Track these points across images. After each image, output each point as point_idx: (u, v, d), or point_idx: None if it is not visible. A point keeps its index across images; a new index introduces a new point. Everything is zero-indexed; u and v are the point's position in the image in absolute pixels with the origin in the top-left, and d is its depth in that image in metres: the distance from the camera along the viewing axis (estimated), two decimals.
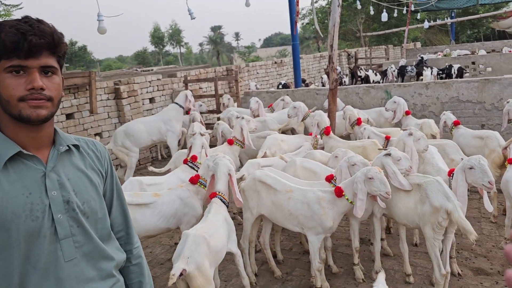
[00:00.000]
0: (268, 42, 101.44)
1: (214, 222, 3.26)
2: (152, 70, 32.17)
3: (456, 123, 5.58)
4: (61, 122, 7.61)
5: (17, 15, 8.44)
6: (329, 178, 3.85)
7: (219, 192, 3.58)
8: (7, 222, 1.30)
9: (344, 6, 24.12)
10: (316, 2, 26.58)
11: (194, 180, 4.00)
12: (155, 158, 9.42)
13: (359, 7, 13.40)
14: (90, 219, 1.48)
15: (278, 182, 3.82)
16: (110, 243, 1.58)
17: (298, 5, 6.59)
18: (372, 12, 15.33)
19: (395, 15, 16.54)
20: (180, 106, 7.18)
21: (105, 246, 1.53)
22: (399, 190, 3.60)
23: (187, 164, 4.69)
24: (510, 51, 16.64)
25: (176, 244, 4.83)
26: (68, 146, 1.49)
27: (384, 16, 14.94)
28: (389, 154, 3.63)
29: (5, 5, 8.06)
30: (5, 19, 8.03)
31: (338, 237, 4.91)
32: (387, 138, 5.07)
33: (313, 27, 26.97)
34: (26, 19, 1.32)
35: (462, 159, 4.74)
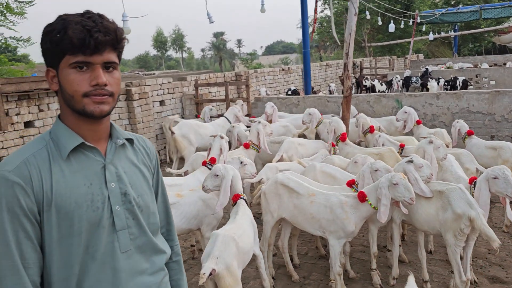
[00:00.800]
0: (270, 50, 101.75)
1: (242, 223, 3.30)
2: (154, 74, 32.24)
3: (469, 133, 5.64)
4: None
5: (29, 12, 8.47)
6: (351, 183, 3.89)
7: (242, 193, 3.64)
8: (70, 211, 1.33)
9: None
10: (322, 11, 26.81)
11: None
12: (164, 160, 9.45)
13: (368, 17, 13.51)
14: (144, 213, 1.51)
15: (300, 185, 3.87)
16: (159, 237, 1.61)
17: (316, 13, 6.66)
18: (380, 23, 15.45)
19: (402, 26, 16.69)
20: (228, 120, 7.64)
21: (156, 240, 1.56)
22: (419, 197, 3.65)
23: (206, 166, 4.73)
24: None
25: (192, 245, 4.86)
26: (123, 140, 1.52)
27: (391, 27, 15.06)
28: (411, 161, 3.68)
29: (19, 1, 8.09)
30: (19, 17, 8.09)
31: (352, 243, 4.94)
32: (402, 146, 5.13)
33: (316, 35, 27.15)
34: (89, 15, 1.34)
35: (476, 168, 4.82)
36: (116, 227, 1.42)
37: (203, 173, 4.63)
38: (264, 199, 4.06)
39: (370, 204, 3.53)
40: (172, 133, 7.07)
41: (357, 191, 3.74)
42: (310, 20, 14.42)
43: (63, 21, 1.33)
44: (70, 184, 1.34)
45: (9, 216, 1.26)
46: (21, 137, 6.86)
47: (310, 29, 9.56)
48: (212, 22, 6.25)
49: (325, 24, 29.56)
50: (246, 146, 5.43)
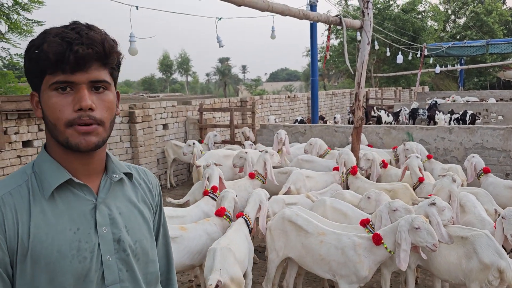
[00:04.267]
0: (274, 77, 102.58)
1: (234, 237, 3.45)
2: (158, 96, 32.24)
3: (486, 171, 5.36)
4: None
5: (37, 31, 8.37)
6: (365, 223, 3.61)
7: (246, 214, 3.80)
8: (51, 262, 1.08)
9: (355, 46, 24.39)
10: (332, 39, 26.89)
11: (220, 213, 3.88)
12: (164, 185, 9.18)
13: (376, 47, 13.46)
14: (141, 262, 1.25)
15: (309, 223, 3.59)
16: None
17: (329, 41, 6.51)
18: (388, 54, 15.40)
19: (410, 58, 16.66)
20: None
21: None
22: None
23: (208, 196, 4.50)
24: None
25: (191, 281, 4.54)
26: (121, 174, 1.27)
27: (399, 58, 14.99)
28: (434, 204, 3.40)
29: (27, 19, 7.98)
30: (27, 35, 7.98)
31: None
32: (421, 180, 4.84)
33: (321, 64, 27.23)
34: (74, 25, 1.11)
35: (495, 209, 4.52)
36: (106, 282, 1.16)
37: (206, 204, 4.41)
38: (270, 235, 3.78)
39: (386, 247, 3.24)
40: (197, 166, 6.40)
41: (372, 232, 3.45)
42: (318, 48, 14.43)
43: (44, 34, 1.09)
44: (53, 229, 1.09)
45: None
46: (19, 156, 6.62)
47: (318, 57, 9.49)
48: (222, 46, 6.11)
49: (330, 53, 29.69)
50: (252, 176, 5.17)
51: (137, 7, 4.69)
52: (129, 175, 1.31)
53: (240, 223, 3.69)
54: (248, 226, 3.72)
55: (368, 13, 6.02)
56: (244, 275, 3.39)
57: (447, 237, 3.30)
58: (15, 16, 7.69)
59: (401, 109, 14.27)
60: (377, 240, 3.27)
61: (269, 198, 4.39)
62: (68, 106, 1.09)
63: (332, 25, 6.15)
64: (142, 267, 1.26)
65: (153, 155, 8.88)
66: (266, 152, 5.23)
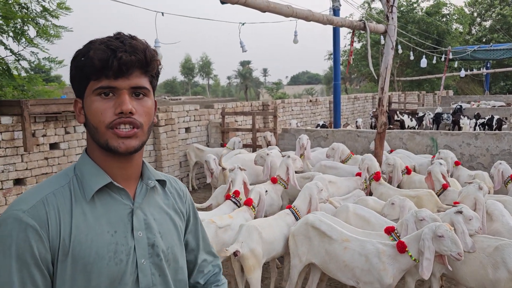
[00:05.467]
0: (295, 80, 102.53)
1: (271, 222, 3.87)
2: (180, 99, 32.62)
3: None
4: None
5: (66, 36, 8.57)
6: (389, 230, 3.57)
7: (293, 207, 4.14)
8: (89, 263, 1.11)
9: (378, 49, 24.17)
10: (349, 44, 26.67)
11: (248, 203, 4.28)
12: None
13: (400, 51, 13.29)
14: (171, 268, 1.29)
15: (333, 229, 3.57)
16: None
17: (352, 45, 6.49)
18: (412, 57, 15.21)
19: (434, 62, 16.39)
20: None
21: None
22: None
23: (230, 200, 4.53)
24: None
25: None
26: (155, 181, 1.31)
27: (424, 62, 14.78)
28: (460, 212, 3.35)
29: (55, 25, 8.18)
30: (54, 39, 8.18)
31: None
32: (445, 187, 4.77)
33: (344, 68, 27.06)
34: (118, 35, 1.17)
35: None
36: (140, 285, 1.19)
37: (228, 207, 4.44)
38: (293, 241, 3.78)
39: (411, 256, 3.20)
40: (223, 169, 6.31)
41: (396, 240, 3.42)
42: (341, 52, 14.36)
43: (89, 44, 1.15)
44: (92, 231, 1.13)
45: (18, 265, 1.05)
46: (46, 158, 6.78)
47: (340, 61, 9.47)
48: (245, 51, 6.15)
49: (353, 57, 29.51)
50: (274, 180, 5.17)
51: (162, 13, 4.77)
52: (162, 183, 1.34)
53: (284, 213, 4.11)
54: (296, 218, 4.04)
55: (392, 18, 5.97)
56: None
57: (470, 245, 3.24)
58: (43, 22, 7.90)
59: (425, 114, 14.06)
60: (401, 248, 3.23)
61: None
62: (109, 109, 1.14)
63: (356, 30, 6.12)
64: (172, 273, 1.29)
65: (175, 158, 8.97)
66: (289, 157, 5.22)
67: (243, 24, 5.78)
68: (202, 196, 8.30)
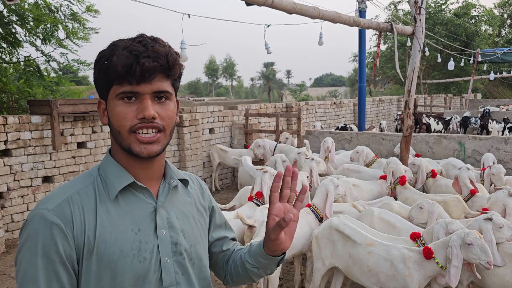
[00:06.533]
0: (319, 82, 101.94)
1: None
2: (203, 100, 32.79)
3: None
4: None
5: (94, 37, 8.76)
6: (415, 237, 3.50)
7: (313, 205, 4.15)
8: (113, 260, 1.13)
9: (404, 51, 23.82)
10: (375, 46, 26.46)
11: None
12: (209, 189, 9.31)
13: (427, 53, 13.05)
14: (195, 266, 1.30)
15: (357, 233, 3.53)
16: None
17: (379, 47, 6.41)
18: (439, 60, 14.91)
19: (462, 64, 16.05)
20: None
21: None
22: None
23: (253, 201, 4.54)
24: None
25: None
26: (177, 180, 1.33)
27: (451, 65, 14.47)
28: (490, 219, 3.26)
29: (85, 27, 8.36)
30: (83, 42, 8.37)
31: None
32: (473, 193, 4.65)
33: (369, 70, 26.77)
34: (141, 38, 1.17)
35: None
36: (164, 283, 1.20)
37: (250, 209, 4.45)
38: (316, 244, 3.75)
39: (437, 262, 3.13)
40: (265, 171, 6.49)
41: (421, 246, 3.35)
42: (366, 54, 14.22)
43: (113, 47, 1.16)
44: (116, 229, 1.15)
45: (43, 262, 1.08)
46: (73, 157, 6.93)
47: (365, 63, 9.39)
48: (270, 53, 6.15)
49: (378, 59, 29.17)
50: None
51: (189, 15, 4.82)
52: (184, 182, 1.36)
53: (304, 211, 4.11)
54: (316, 215, 4.10)
55: (420, 19, 5.87)
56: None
57: (498, 259, 3.14)
58: (72, 24, 8.09)
59: (451, 117, 13.77)
60: (427, 254, 3.17)
61: None
62: (132, 114, 1.16)
63: (383, 32, 6.04)
64: (197, 271, 1.30)
65: (199, 158, 9.04)
66: (313, 159, 5.20)
67: (268, 26, 5.78)
68: (225, 197, 8.34)
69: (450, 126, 13.62)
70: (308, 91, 75.51)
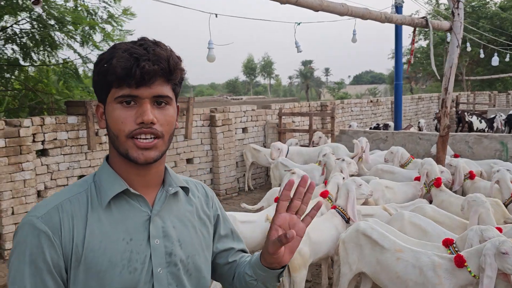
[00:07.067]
0: (358, 79, 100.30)
1: (318, 222, 3.89)
2: (241, 98, 33.04)
3: None
4: None
5: (129, 39, 8.94)
6: (448, 243, 3.33)
7: (338, 206, 4.09)
8: (101, 271, 1.10)
9: (443, 48, 23.00)
10: (416, 42, 25.66)
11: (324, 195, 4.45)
12: (242, 188, 9.32)
13: (468, 49, 12.51)
14: (193, 278, 1.24)
15: (385, 238, 3.40)
16: None
17: (413, 44, 6.19)
18: (482, 55, 14.26)
19: (507, 59, 15.26)
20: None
21: None
22: None
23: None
24: None
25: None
26: (177, 188, 1.28)
27: (495, 60, 13.82)
28: None
29: (120, 30, 8.56)
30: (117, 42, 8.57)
31: None
32: None
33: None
34: (142, 41, 1.14)
35: None
36: None
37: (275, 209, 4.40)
38: (343, 248, 3.65)
39: (470, 271, 2.96)
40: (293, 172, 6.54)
41: (454, 254, 3.18)
42: (403, 51, 13.82)
43: (113, 49, 1.13)
44: (107, 238, 1.12)
45: (31, 271, 1.07)
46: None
47: (404, 60, 9.07)
48: (300, 52, 6.07)
49: (418, 55, 28.27)
50: (326, 184, 5.04)
51: (216, 15, 4.81)
52: (185, 189, 1.31)
53: (331, 213, 4.09)
54: (342, 217, 4.04)
55: (458, 14, 5.61)
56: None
57: None
58: (108, 27, 8.31)
59: (496, 115, 13.14)
60: (459, 262, 3.00)
61: None
62: (130, 118, 1.12)
63: (418, 27, 5.82)
64: (194, 283, 1.25)
65: (232, 158, 9.05)
66: (343, 160, 5.08)
67: (299, 24, 5.70)
68: (258, 197, 8.31)
69: (495, 125, 12.99)
70: (346, 88, 74.52)
